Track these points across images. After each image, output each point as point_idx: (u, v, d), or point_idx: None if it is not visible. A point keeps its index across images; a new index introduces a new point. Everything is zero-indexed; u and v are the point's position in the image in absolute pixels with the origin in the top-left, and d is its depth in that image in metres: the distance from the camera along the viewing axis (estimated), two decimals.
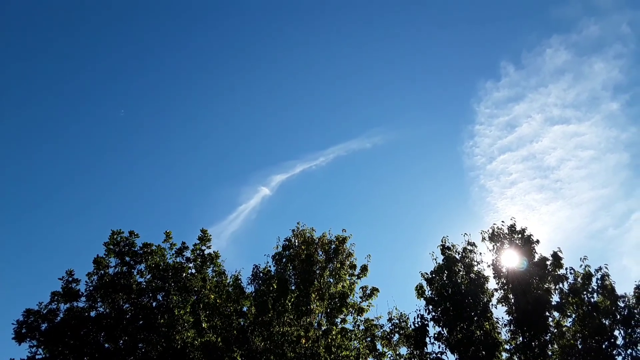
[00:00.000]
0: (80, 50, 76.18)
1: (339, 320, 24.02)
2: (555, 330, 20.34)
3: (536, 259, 21.58)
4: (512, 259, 21.77)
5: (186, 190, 79.00)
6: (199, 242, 28.34)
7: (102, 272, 27.10)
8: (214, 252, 28.31)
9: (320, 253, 25.35)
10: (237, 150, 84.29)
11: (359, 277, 25.19)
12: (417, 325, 20.73)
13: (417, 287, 21.41)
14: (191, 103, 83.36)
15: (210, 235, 28.54)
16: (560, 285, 21.06)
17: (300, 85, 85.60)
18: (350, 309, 24.43)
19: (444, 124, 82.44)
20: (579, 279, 21.06)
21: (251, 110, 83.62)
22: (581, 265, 21.27)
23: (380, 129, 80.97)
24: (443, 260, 21.60)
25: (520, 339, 20.30)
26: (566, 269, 21.37)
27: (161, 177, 79.23)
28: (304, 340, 21.52)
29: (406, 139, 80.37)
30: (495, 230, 22.43)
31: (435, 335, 20.37)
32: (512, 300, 21.00)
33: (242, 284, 24.22)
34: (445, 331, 20.35)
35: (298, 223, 26.06)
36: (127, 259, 27.63)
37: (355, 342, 23.06)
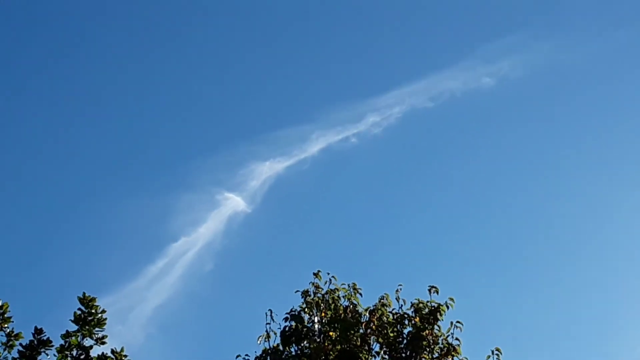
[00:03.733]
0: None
1: None
2: None
3: None
4: None
5: (48, 209, 34.54)
6: (77, 327, 14.10)
7: None
8: (114, 351, 14.36)
9: (375, 346, 11.20)
10: (169, 121, 40.67)
11: None
12: None
13: None
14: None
15: (103, 315, 14.38)
16: None
17: None
18: None
19: None
20: None
21: (214, 45, 34.79)
22: None
23: (515, 38, 29.72)
24: None
25: None
26: None
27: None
28: None
29: (578, 63, 30.26)
30: None
31: None
32: None
33: None
34: None
35: (317, 275, 11.55)
36: None
37: None
